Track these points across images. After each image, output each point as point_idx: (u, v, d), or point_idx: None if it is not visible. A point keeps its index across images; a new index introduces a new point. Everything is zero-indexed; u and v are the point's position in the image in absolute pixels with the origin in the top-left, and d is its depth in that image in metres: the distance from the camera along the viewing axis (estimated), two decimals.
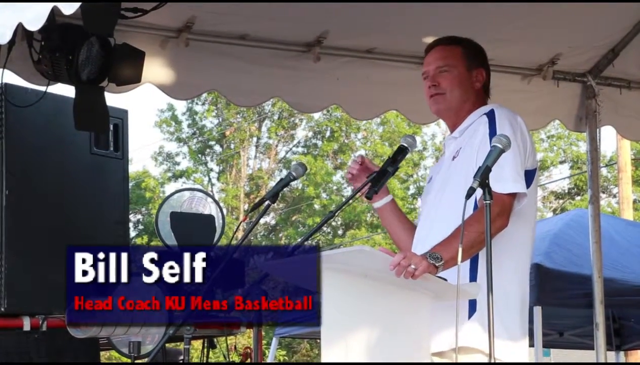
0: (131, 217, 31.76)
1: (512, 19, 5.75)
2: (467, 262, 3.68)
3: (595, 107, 6.47)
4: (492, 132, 3.74)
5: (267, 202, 4.18)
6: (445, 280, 3.58)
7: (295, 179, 4.22)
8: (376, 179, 3.91)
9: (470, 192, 3.34)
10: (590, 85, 6.45)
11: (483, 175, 3.37)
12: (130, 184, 31.37)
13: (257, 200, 4.23)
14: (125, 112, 5.72)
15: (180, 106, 32.14)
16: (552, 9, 5.69)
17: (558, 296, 7.47)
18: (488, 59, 4.07)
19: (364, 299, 3.61)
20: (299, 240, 4.21)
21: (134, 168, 32.03)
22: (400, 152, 3.96)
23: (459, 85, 3.93)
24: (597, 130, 6.51)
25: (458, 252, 3.37)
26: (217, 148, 32.52)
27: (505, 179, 3.69)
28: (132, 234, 31.69)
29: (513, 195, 3.71)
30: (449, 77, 3.93)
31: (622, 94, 6.53)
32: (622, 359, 12.12)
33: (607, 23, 6.05)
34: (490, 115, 3.84)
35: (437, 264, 3.53)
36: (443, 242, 3.59)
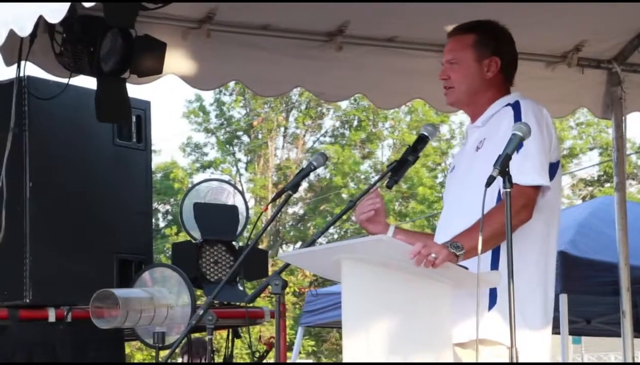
0: (160, 207, 31.94)
1: (535, 5, 5.70)
2: (489, 253, 3.65)
3: (621, 94, 6.43)
4: None
5: (288, 192, 4.17)
6: (466, 268, 3.56)
7: (315, 168, 4.21)
8: (396, 168, 3.89)
9: (490, 180, 3.32)
10: (616, 72, 6.40)
11: (503, 164, 3.34)
12: (159, 175, 31.53)
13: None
14: (147, 103, 5.72)
15: (208, 97, 32.24)
16: None
17: (584, 284, 7.44)
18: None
19: (384, 288, 3.60)
20: (321, 230, 4.21)
21: (162, 159, 32.20)
22: (421, 141, 3.94)
23: (467, 78, 3.89)
24: (623, 117, 6.46)
25: (486, 239, 3.37)
26: (245, 138, 32.57)
27: (530, 171, 3.66)
28: (162, 224, 31.83)
29: (537, 188, 3.69)
30: (458, 70, 3.90)
31: None
32: None
33: (632, 9, 5.98)
34: (516, 107, 3.80)
35: (457, 253, 3.51)
36: (465, 232, 3.58)
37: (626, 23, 6.15)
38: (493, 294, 3.66)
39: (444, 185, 4.19)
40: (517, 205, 3.54)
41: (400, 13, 5.70)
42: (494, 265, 3.68)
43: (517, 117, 3.75)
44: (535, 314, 3.74)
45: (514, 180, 3.46)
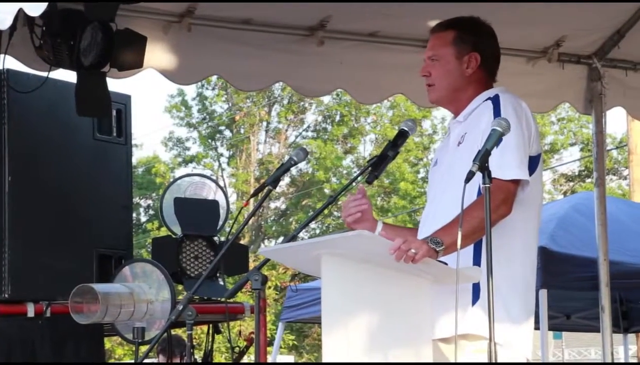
0: (142, 202, 31.87)
1: (516, 1, 5.71)
2: (471, 248, 3.65)
3: (601, 90, 6.45)
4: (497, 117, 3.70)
5: (268, 187, 4.17)
6: (446, 264, 3.56)
7: (296, 163, 4.20)
8: (376, 163, 3.88)
9: (470, 175, 3.31)
10: (596, 68, 6.41)
11: (482, 159, 3.34)
12: (141, 170, 31.47)
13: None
14: (128, 97, 5.70)
15: (190, 91, 32.17)
16: None
17: (563, 279, 7.46)
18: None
19: (364, 283, 3.59)
20: (300, 225, 4.20)
21: (144, 153, 32.17)
22: (401, 136, 3.93)
23: (447, 75, 3.90)
24: (603, 113, 6.48)
25: (465, 235, 3.35)
26: (227, 133, 32.52)
27: (509, 165, 3.66)
28: (143, 219, 31.76)
29: (517, 183, 3.68)
30: (438, 67, 3.91)
31: (628, 76, 6.49)
32: (631, 341, 12.12)
33: (613, 5, 6.01)
34: (495, 101, 3.80)
35: (437, 249, 3.51)
36: (445, 227, 3.57)
37: (606, 19, 6.17)
38: (476, 289, 3.66)
39: (427, 181, 4.19)
40: (496, 200, 3.54)
41: (382, 8, 5.69)
42: (476, 260, 3.68)
43: (497, 110, 3.75)
44: (517, 307, 3.74)
45: (493, 175, 3.46)
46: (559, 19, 6.06)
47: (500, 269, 3.63)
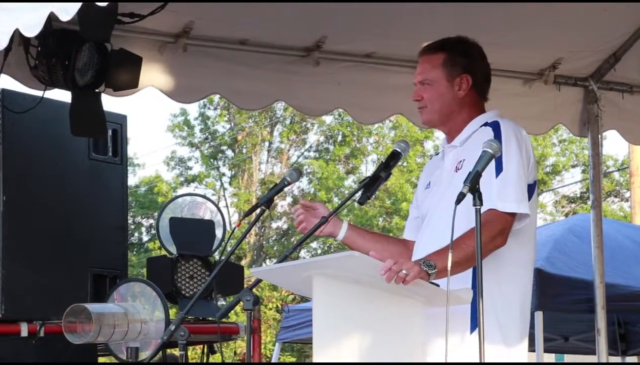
0: (143, 221, 31.86)
1: (512, 23, 5.73)
2: (469, 271, 3.64)
3: (597, 112, 6.45)
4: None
5: (261, 207, 4.17)
6: (438, 286, 3.56)
7: (289, 184, 4.20)
8: (369, 184, 3.89)
9: (460, 197, 3.33)
10: (592, 90, 6.42)
11: (473, 181, 3.35)
12: (143, 189, 31.46)
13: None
14: (124, 117, 5.70)
15: (193, 111, 32.21)
16: (553, 13, 5.67)
17: (559, 301, 7.44)
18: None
19: (355, 304, 3.60)
20: (292, 246, 4.20)
21: (146, 172, 32.19)
22: (394, 157, 3.94)
23: (439, 98, 3.88)
24: (600, 135, 6.48)
25: (455, 262, 3.37)
26: (229, 153, 32.53)
27: (510, 198, 3.67)
28: (145, 238, 31.73)
29: (514, 215, 3.69)
30: (429, 90, 3.89)
31: (625, 99, 6.50)
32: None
33: (609, 27, 6.03)
34: (496, 128, 3.79)
35: (430, 272, 3.51)
36: (439, 251, 3.57)
37: (602, 41, 6.18)
38: (474, 316, 3.64)
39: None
40: (493, 231, 3.58)
41: (377, 29, 5.71)
42: (475, 283, 3.66)
43: (498, 137, 3.72)
44: (513, 331, 3.74)
45: (492, 206, 3.49)
46: (556, 41, 6.07)
47: (496, 293, 3.65)
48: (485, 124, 3.84)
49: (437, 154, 4.13)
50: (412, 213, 4.11)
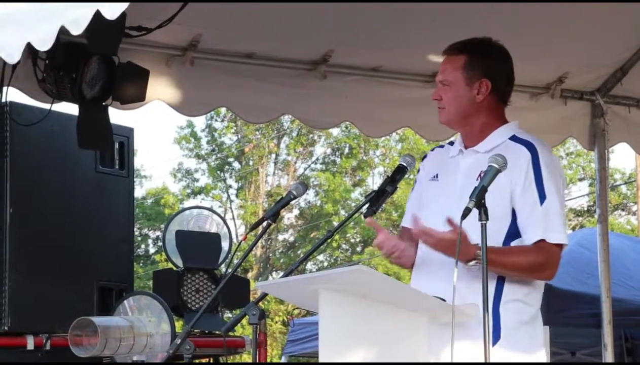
0: (150, 233, 31.88)
1: (519, 37, 5.70)
2: (494, 285, 3.67)
3: (604, 126, 6.44)
4: (539, 179, 3.72)
5: (267, 221, 4.18)
6: (444, 300, 3.56)
7: (295, 197, 4.22)
8: (374, 198, 3.89)
9: (466, 212, 3.34)
10: (599, 104, 6.41)
11: (479, 196, 3.36)
12: (150, 201, 31.48)
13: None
14: (130, 130, 5.71)
15: (200, 123, 32.25)
16: (560, 28, 5.68)
17: (565, 316, 7.44)
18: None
19: (361, 318, 3.60)
20: (298, 260, 4.20)
21: (153, 184, 32.18)
22: (400, 172, 3.93)
23: (457, 100, 3.84)
24: (606, 149, 6.48)
25: (501, 263, 3.58)
26: (236, 165, 32.57)
27: (559, 230, 3.72)
28: (152, 250, 31.74)
29: (561, 246, 3.74)
30: (449, 92, 3.85)
31: (631, 113, 6.50)
32: None
33: (616, 42, 6.03)
34: (533, 153, 3.76)
35: (477, 258, 3.53)
36: (501, 250, 3.65)
37: (609, 56, 6.19)
38: (496, 328, 3.65)
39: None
40: (551, 262, 3.71)
41: (384, 43, 5.72)
42: (497, 296, 3.70)
43: (535, 162, 3.73)
44: (538, 341, 3.79)
45: (542, 237, 3.63)
46: (562, 55, 6.07)
47: (522, 305, 3.74)
48: (515, 139, 3.81)
49: (441, 146, 4.07)
50: (412, 200, 4.03)
